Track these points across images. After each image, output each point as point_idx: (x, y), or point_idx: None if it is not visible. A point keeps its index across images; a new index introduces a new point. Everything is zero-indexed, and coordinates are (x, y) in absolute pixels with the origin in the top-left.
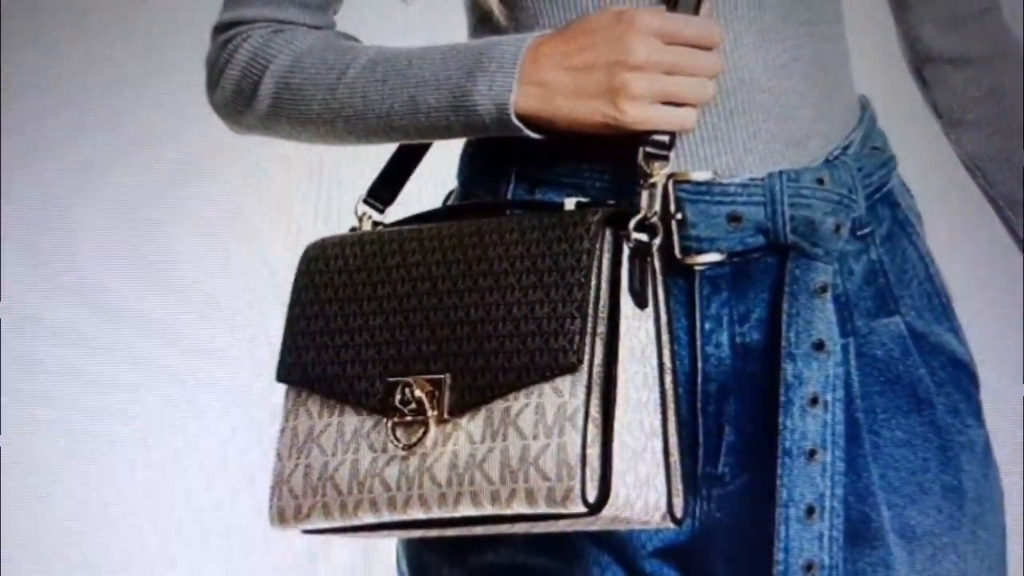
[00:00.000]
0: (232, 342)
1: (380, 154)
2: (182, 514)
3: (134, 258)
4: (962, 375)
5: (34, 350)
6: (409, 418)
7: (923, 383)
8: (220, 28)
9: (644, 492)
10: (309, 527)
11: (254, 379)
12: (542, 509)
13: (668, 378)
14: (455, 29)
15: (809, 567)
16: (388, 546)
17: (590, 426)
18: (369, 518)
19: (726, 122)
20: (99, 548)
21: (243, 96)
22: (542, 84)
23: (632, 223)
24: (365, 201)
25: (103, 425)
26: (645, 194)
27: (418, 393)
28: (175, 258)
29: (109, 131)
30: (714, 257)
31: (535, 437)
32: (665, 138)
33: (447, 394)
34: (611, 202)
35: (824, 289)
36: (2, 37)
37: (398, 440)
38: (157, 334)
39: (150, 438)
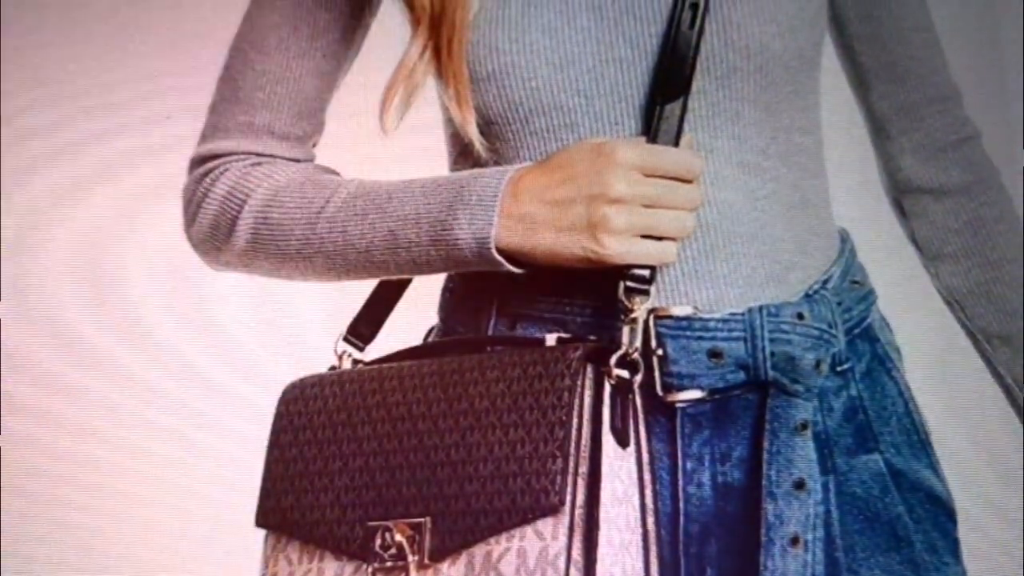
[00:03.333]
0: (235, 342)
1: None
2: (185, 514)
3: (134, 256)
4: (940, 512)
5: (34, 349)
6: (389, 564)
7: (902, 520)
8: (197, 161)
9: None
10: None
11: (261, 389)
12: None
13: (650, 519)
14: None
15: None
16: None
17: (572, 570)
18: None
19: (706, 256)
20: (100, 548)
21: (221, 232)
22: (522, 218)
23: (613, 359)
24: (345, 339)
25: (104, 424)
26: (626, 329)
27: (398, 538)
28: (175, 256)
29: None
30: (695, 394)
31: None
32: (646, 272)
33: (428, 538)
34: (592, 338)
35: (804, 426)
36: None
37: None
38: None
39: (151, 437)
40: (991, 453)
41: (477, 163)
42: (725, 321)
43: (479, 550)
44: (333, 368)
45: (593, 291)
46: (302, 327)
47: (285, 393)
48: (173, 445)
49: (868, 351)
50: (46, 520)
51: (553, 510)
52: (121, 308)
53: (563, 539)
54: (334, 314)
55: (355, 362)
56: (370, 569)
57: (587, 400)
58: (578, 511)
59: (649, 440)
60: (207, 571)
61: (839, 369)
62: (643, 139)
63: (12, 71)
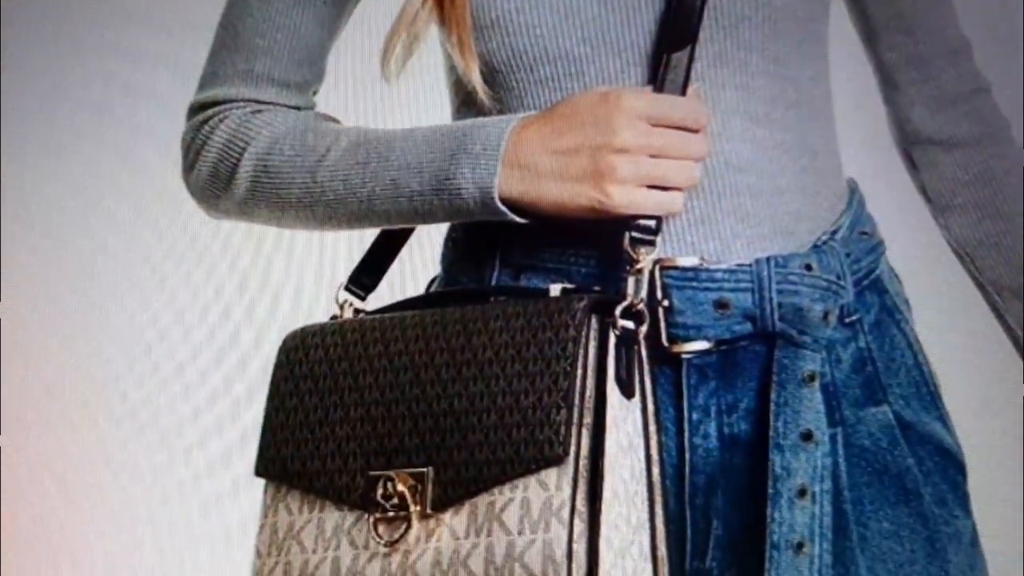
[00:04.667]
0: (237, 344)
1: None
2: (185, 514)
3: (134, 252)
4: (949, 465)
5: (34, 348)
6: (391, 514)
7: (911, 473)
8: (196, 108)
9: None
10: None
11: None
12: None
13: (655, 470)
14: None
15: None
16: None
17: (576, 521)
18: None
19: (713, 206)
20: (100, 548)
21: (220, 179)
22: (526, 167)
23: (618, 310)
24: (346, 288)
25: (104, 424)
26: (631, 280)
27: (400, 488)
28: (175, 252)
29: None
30: (701, 345)
31: (520, 532)
32: (651, 223)
33: (430, 488)
34: (597, 288)
35: (812, 378)
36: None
37: (380, 536)
38: (160, 330)
39: (152, 436)
40: (995, 405)
41: (481, 112)
42: (732, 272)
43: (482, 500)
44: (334, 318)
45: (598, 241)
46: None
47: (286, 342)
48: (173, 444)
49: (877, 303)
50: (46, 520)
51: (557, 460)
52: (122, 306)
53: (567, 489)
54: None
55: (356, 312)
56: (371, 519)
57: (592, 351)
58: (582, 462)
59: (654, 391)
60: (206, 570)
61: (847, 320)
62: (649, 88)
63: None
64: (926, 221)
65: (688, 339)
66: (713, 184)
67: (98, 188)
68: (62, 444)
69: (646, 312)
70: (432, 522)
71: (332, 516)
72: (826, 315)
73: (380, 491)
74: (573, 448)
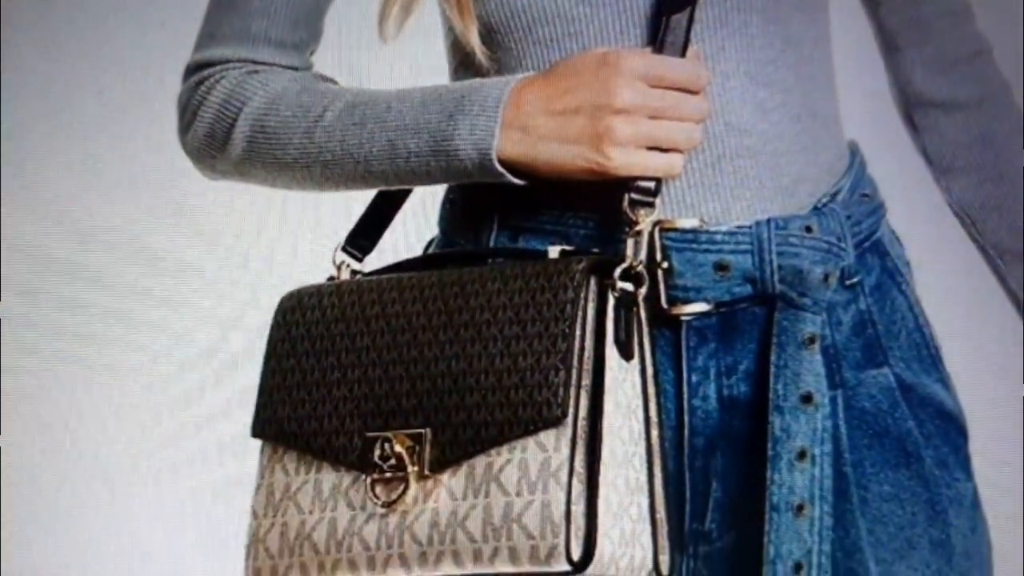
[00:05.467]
0: (240, 344)
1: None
2: (186, 514)
3: (134, 249)
4: (950, 428)
5: (34, 347)
6: (389, 474)
7: (911, 436)
8: (192, 69)
9: (629, 549)
10: None
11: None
12: (525, 568)
13: (654, 432)
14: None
15: None
16: None
17: (575, 482)
18: None
19: (713, 168)
20: (100, 548)
21: (216, 140)
22: (525, 128)
23: (617, 272)
24: (343, 249)
25: (104, 424)
26: (631, 242)
27: (398, 448)
28: (175, 248)
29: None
30: (701, 307)
31: (518, 494)
32: (651, 184)
33: (427, 449)
34: (596, 250)
35: (812, 340)
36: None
37: (377, 497)
38: (160, 329)
39: (154, 436)
40: (997, 367)
41: (479, 73)
42: (732, 234)
43: (480, 461)
44: (331, 279)
45: (597, 203)
46: None
47: (282, 303)
48: (174, 443)
49: (878, 265)
50: (46, 519)
51: (556, 422)
52: (121, 303)
53: (566, 451)
54: None
55: (353, 273)
56: (369, 480)
57: (590, 313)
58: (581, 423)
59: (653, 353)
60: (206, 569)
61: (848, 283)
62: (649, 50)
63: None
64: (927, 184)
65: (687, 301)
66: (713, 146)
67: (96, 184)
68: (63, 445)
69: (645, 274)
70: (430, 483)
71: (329, 477)
72: (826, 277)
73: (377, 452)
74: (571, 410)
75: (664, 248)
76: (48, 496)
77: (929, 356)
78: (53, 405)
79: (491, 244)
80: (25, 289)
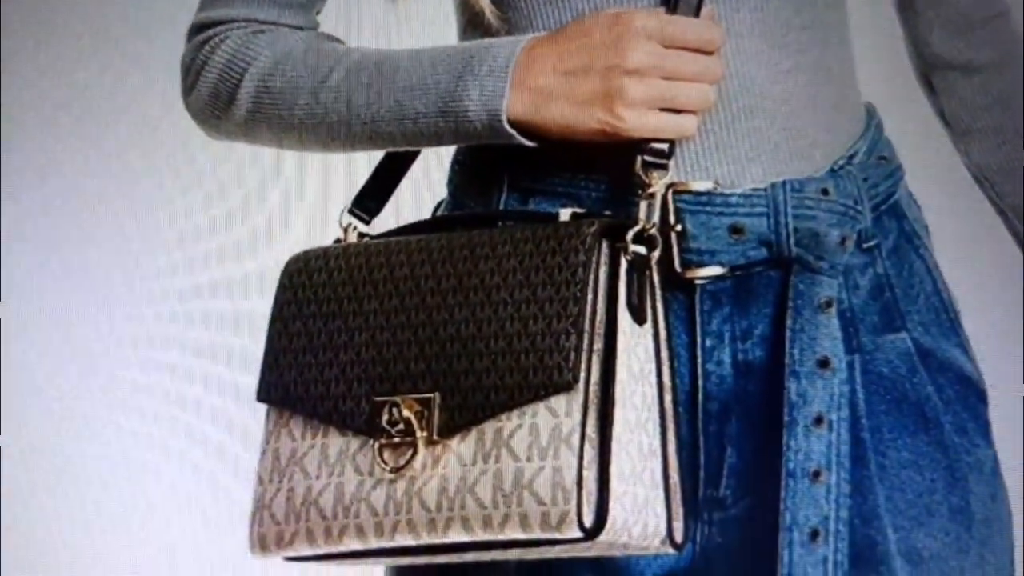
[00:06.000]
0: (240, 344)
1: None
2: (185, 514)
3: (136, 248)
4: (970, 393)
5: (34, 348)
6: (397, 440)
7: (930, 401)
8: (196, 28)
9: (643, 516)
10: (292, 554)
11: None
12: (536, 534)
13: (668, 397)
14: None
15: None
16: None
17: (587, 447)
18: (355, 544)
19: (727, 130)
20: (100, 548)
21: (220, 100)
22: (536, 90)
23: (630, 235)
24: (350, 211)
25: (105, 423)
26: (643, 205)
27: (406, 413)
28: (177, 247)
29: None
30: (715, 271)
31: (529, 459)
32: (664, 146)
33: (436, 414)
34: (608, 213)
35: (829, 304)
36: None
37: (385, 463)
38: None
39: (155, 437)
40: (1016, 330)
41: (488, 33)
42: (747, 196)
43: (489, 427)
44: (338, 241)
45: (609, 165)
46: None
47: (288, 265)
48: (173, 444)
49: (895, 228)
50: (45, 519)
51: (567, 387)
52: (122, 306)
53: (577, 416)
54: None
55: (361, 235)
56: (376, 445)
57: (602, 276)
58: (592, 388)
59: (667, 317)
60: (206, 568)
61: (865, 246)
62: (662, 9)
63: None
64: (945, 146)
65: (701, 264)
66: (727, 107)
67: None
68: (63, 443)
69: (658, 237)
70: (438, 448)
71: (336, 442)
72: (843, 240)
73: (385, 417)
74: (583, 375)
75: (677, 211)
76: (48, 496)
77: (948, 320)
78: (53, 405)
79: (501, 206)
80: (25, 289)
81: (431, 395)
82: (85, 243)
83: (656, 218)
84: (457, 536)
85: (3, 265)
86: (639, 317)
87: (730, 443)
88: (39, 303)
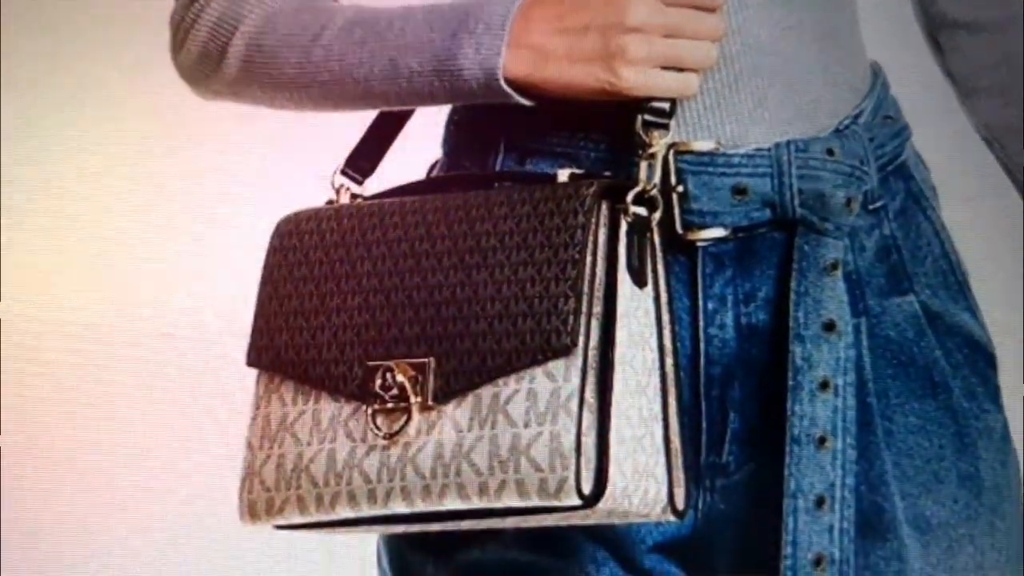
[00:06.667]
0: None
1: None
2: (185, 514)
3: (135, 247)
4: (979, 357)
5: (34, 349)
6: (390, 405)
7: (938, 365)
8: None
9: (643, 483)
10: (282, 522)
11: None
12: (534, 502)
13: (669, 361)
14: None
15: (818, 561)
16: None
17: (585, 413)
18: (347, 512)
19: (730, 89)
20: (100, 548)
21: (210, 59)
22: (533, 48)
23: (630, 196)
24: (343, 172)
25: (106, 424)
26: (644, 165)
27: (400, 378)
28: (180, 246)
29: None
30: (718, 232)
31: (526, 425)
32: (665, 105)
33: (431, 379)
34: (607, 174)
35: (835, 266)
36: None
37: (379, 428)
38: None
39: (154, 436)
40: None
41: None
42: (750, 156)
43: (486, 392)
44: (330, 202)
45: (608, 125)
46: None
47: (279, 227)
48: (174, 442)
49: (902, 189)
50: (45, 518)
51: (565, 351)
52: (122, 306)
53: (576, 381)
54: None
55: (353, 196)
56: (370, 410)
57: (601, 238)
58: (592, 353)
59: (668, 280)
60: (205, 567)
61: (871, 207)
62: None
63: None
64: (952, 106)
65: (704, 226)
66: (730, 66)
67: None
68: (63, 443)
69: (659, 198)
70: (433, 414)
71: (328, 407)
72: (849, 201)
73: (379, 382)
74: (582, 339)
75: (679, 171)
76: (48, 496)
77: (956, 283)
78: (53, 405)
79: (497, 167)
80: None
81: (426, 359)
82: (85, 240)
83: (657, 179)
84: (452, 504)
85: (3, 265)
86: (639, 280)
87: (733, 408)
88: (39, 303)
